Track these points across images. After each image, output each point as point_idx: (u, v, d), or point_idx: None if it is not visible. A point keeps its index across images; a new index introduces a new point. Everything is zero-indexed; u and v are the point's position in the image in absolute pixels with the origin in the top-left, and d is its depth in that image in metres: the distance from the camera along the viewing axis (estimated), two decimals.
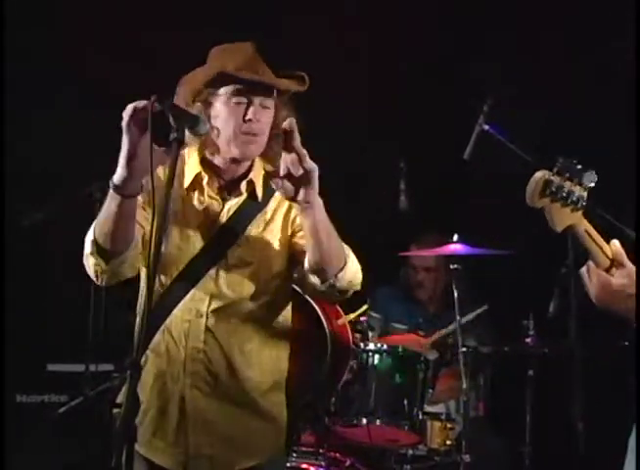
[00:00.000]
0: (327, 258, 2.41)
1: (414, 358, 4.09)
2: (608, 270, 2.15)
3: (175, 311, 2.52)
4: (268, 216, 2.58)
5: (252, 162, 2.58)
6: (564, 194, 2.04)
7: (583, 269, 2.30)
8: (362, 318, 3.85)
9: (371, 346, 3.93)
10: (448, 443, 4.12)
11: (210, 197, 2.56)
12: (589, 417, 3.45)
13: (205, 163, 2.58)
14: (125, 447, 2.02)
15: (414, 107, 4.96)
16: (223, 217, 2.56)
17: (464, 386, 4.12)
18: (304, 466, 3.85)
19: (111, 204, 2.31)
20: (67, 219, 4.25)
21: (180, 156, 2.32)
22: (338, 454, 3.98)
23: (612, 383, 3.52)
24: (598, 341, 3.89)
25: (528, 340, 4.23)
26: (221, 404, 2.54)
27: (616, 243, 2.16)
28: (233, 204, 2.57)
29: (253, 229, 2.56)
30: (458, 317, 4.15)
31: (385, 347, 3.98)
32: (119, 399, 2.58)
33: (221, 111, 2.50)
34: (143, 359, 2.50)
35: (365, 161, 5.00)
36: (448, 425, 4.15)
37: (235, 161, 2.54)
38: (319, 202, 2.35)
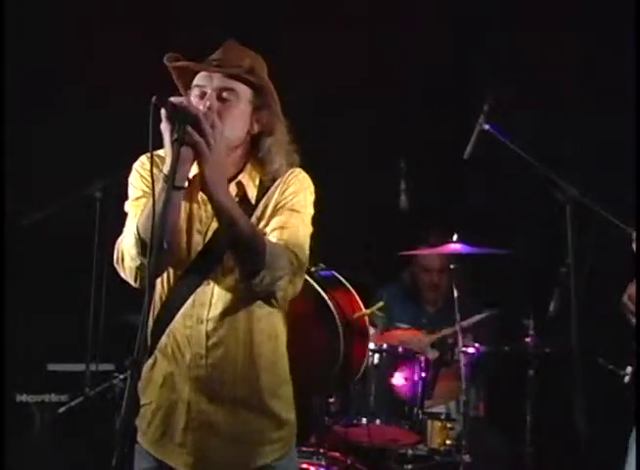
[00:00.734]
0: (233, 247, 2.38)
1: (414, 358, 4.09)
2: None
3: (178, 317, 2.51)
4: (259, 213, 2.54)
5: (244, 165, 2.54)
6: None
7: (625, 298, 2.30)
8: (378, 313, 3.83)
9: (371, 345, 3.93)
10: (448, 442, 4.12)
11: (203, 198, 2.55)
12: (590, 417, 3.45)
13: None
14: (125, 447, 2.02)
15: (414, 107, 4.96)
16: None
17: (464, 386, 4.12)
18: (304, 466, 3.85)
19: (160, 197, 2.26)
20: (67, 219, 4.26)
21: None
22: (338, 454, 3.99)
23: (612, 383, 3.52)
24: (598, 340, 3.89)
25: (529, 340, 4.23)
26: (227, 408, 2.53)
27: None
28: None
29: None
30: (458, 317, 4.15)
31: (385, 346, 3.98)
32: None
33: None
34: (152, 360, 2.52)
35: (365, 160, 5.01)
36: (448, 425, 4.15)
37: None
38: (218, 185, 2.32)
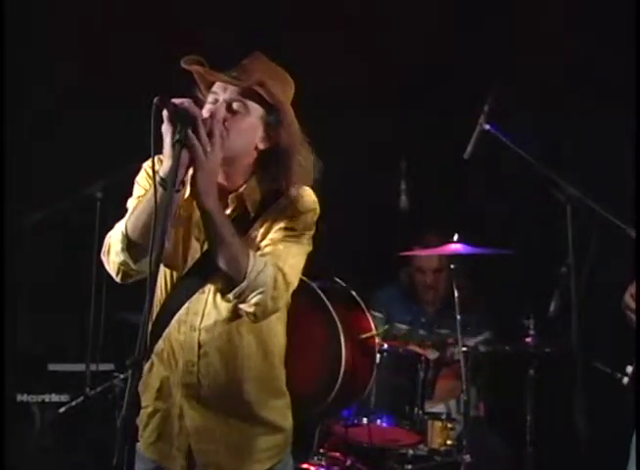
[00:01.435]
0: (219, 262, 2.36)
1: (414, 358, 4.09)
2: None
3: (173, 323, 2.51)
4: (257, 228, 2.50)
5: (247, 180, 2.50)
6: None
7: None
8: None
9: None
10: (449, 442, 4.12)
11: None
12: (590, 417, 3.45)
13: None
14: (126, 446, 2.02)
15: (414, 106, 4.96)
16: None
17: (464, 386, 4.11)
18: (305, 466, 3.86)
19: (152, 198, 2.25)
20: (67, 219, 4.26)
21: None
22: (338, 454, 3.99)
23: (612, 383, 3.52)
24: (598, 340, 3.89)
25: (529, 339, 4.23)
26: (220, 415, 2.53)
27: None
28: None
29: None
30: (458, 317, 4.15)
31: (385, 346, 3.98)
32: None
33: None
34: (149, 364, 2.51)
35: (365, 161, 5.01)
36: (449, 425, 4.15)
37: None
38: (209, 193, 2.32)
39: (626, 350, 3.32)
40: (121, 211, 2.50)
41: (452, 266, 4.25)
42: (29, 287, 4.75)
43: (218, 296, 2.48)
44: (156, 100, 2.20)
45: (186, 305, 2.50)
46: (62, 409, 4.10)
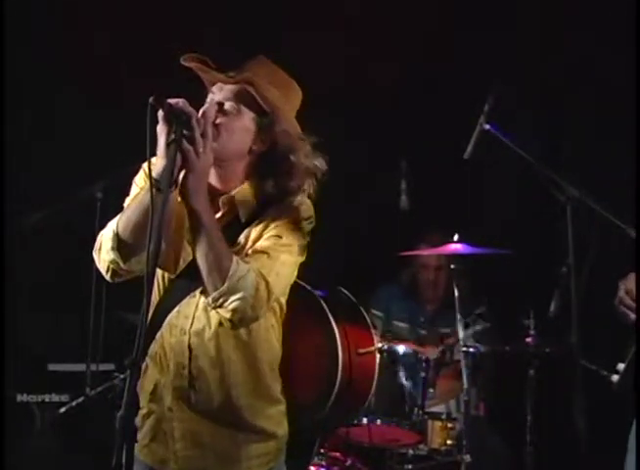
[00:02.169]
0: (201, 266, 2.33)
1: (414, 358, 4.09)
2: None
3: (165, 325, 2.50)
4: (246, 233, 2.47)
5: (241, 183, 2.48)
6: None
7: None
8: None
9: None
10: (449, 442, 4.12)
11: None
12: (590, 417, 3.45)
13: None
14: (125, 447, 2.02)
15: (414, 107, 4.96)
16: None
17: (464, 385, 4.11)
18: None
19: (144, 197, 2.26)
20: (67, 219, 4.26)
21: None
22: (338, 454, 3.99)
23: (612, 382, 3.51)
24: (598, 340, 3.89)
25: (529, 339, 4.22)
26: (210, 421, 2.51)
27: None
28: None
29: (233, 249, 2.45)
30: (458, 317, 4.15)
31: (385, 346, 3.98)
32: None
33: None
34: (144, 366, 2.50)
35: (365, 161, 5.01)
36: (449, 425, 4.16)
37: None
38: (199, 193, 2.30)
39: (625, 349, 3.31)
40: (121, 211, 2.50)
41: (452, 266, 4.25)
42: (29, 287, 4.75)
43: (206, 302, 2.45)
44: (151, 100, 2.19)
45: (177, 308, 2.49)
46: (62, 409, 4.10)
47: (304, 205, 2.50)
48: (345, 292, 3.41)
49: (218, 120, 2.39)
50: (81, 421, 4.18)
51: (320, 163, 2.50)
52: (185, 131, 2.25)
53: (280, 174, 2.46)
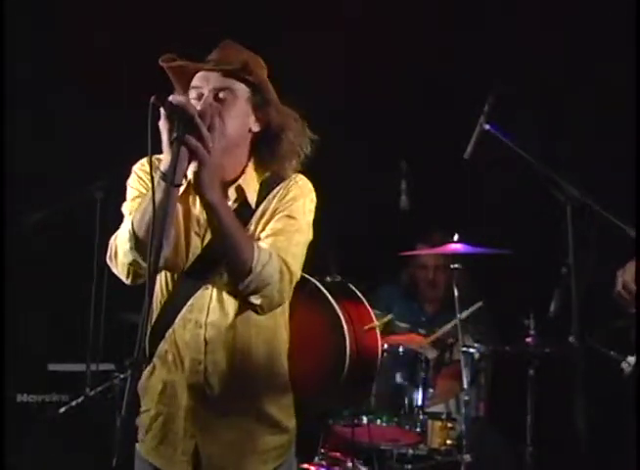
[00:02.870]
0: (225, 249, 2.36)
1: (414, 358, 4.10)
2: None
3: (177, 321, 2.50)
4: (257, 217, 2.51)
5: (244, 168, 2.52)
6: None
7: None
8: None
9: None
10: (449, 442, 4.12)
11: None
12: (590, 417, 3.45)
13: None
14: (125, 447, 2.02)
15: (415, 107, 4.96)
16: None
17: (464, 385, 4.11)
18: (305, 466, 3.86)
19: (155, 194, 2.25)
20: (67, 219, 4.26)
21: None
22: (338, 454, 3.99)
23: (612, 383, 3.52)
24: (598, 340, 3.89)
25: (529, 339, 4.23)
26: (226, 415, 2.51)
27: None
28: None
29: None
30: (459, 316, 4.15)
31: (385, 346, 3.98)
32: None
33: None
34: (150, 367, 2.50)
35: (365, 161, 5.01)
36: (449, 425, 4.16)
37: None
38: (213, 187, 2.31)
39: (625, 349, 3.31)
40: (122, 212, 2.50)
41: (452, 266, 4.25)
42: (29, 287, 4.75)
43: (223, 291, 2.47)
44: (152, 99, 2.20)
45: (190, 302, 2.49)
46: (62, 409, 4.10)
47: (304, 181, 2.55)
48: (336, 276, 3.41)
49: (217, 110, 2.40)
50: (81, 421, 4.18)
51: (305, 143, 2.54)
52: (188, 128, 2.24)
53: (277, 154, 2.50)
